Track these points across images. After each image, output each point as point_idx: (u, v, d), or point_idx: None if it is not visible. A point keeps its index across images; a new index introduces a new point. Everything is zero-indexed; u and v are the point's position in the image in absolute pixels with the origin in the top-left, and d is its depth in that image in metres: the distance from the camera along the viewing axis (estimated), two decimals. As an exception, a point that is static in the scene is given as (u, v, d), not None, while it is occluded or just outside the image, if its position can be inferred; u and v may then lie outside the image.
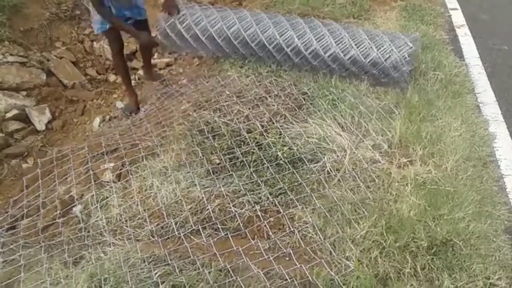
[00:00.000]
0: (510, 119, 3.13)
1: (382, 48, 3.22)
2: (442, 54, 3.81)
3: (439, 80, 3.41)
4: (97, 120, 3.89)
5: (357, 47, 3.25)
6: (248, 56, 3.66)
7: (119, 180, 2.75)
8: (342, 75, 3.41)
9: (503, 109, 3.25)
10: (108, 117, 3.97)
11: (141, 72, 4.56)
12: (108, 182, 2.74)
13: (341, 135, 2.85)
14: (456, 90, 3.35)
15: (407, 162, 2.65)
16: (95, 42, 4.60)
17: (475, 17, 4.81)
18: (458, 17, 4.82)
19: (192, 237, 2.29)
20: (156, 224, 2.38)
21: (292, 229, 2.28)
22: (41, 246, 2.39)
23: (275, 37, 3.41)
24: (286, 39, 3.40)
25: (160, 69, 4.69)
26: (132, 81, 4.46)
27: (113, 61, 4.13)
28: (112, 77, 4.47)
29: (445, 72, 3.51)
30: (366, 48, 3.25)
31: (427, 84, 3.35)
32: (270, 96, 3.29)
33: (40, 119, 3.91)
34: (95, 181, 2.75)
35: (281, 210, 2.39)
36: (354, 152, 2.72)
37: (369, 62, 3.22)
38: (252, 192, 2.50)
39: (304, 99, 3.24)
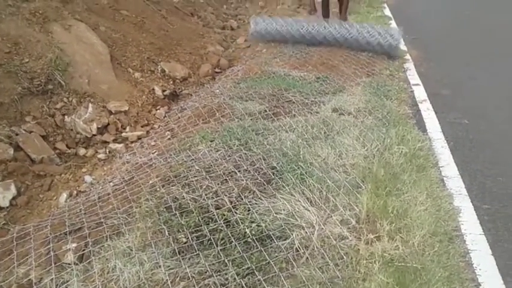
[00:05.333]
0: (473, 193, 3.20)
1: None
2: (406, 128, 3.95)
3: (403, 154, 3.50)
4: (64, 195, 3.80)
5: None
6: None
7: (80, 262, 2.64)
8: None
9: (467, 183, 3.33)
10: (75, 192, 3.89)
11: (112, 145, 4.56)
12: (69, 264, 2.63)
13: (309, 211, 2.85)
14: (420, 164, 3.43)
15: (375, 238, 2.65)
16: (66, 116, 4.61)
17: (436, 92, 5.07)
18: (420, 92, 5.07)
19: (154, 324, 2.19)
20: (117, 310, 2.27)
21: (259, 313, 2.21)
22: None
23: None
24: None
25: (132, 142, 4.70)
26: (103, 155, 4.46)
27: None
28: (82, 151, 4.43)
29: (409, 146, 3.62)
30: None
31: (392, 158, 3.43)
32: (239, 171, 3.30)
33: (4, 195, 3.79)
34: (55, 263, 2.64)
35: (248, 293, 2.32)
36: (322, 228, 2.71)
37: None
38: (218, 273, 2.43)
39: (273, 173, 3.27)
